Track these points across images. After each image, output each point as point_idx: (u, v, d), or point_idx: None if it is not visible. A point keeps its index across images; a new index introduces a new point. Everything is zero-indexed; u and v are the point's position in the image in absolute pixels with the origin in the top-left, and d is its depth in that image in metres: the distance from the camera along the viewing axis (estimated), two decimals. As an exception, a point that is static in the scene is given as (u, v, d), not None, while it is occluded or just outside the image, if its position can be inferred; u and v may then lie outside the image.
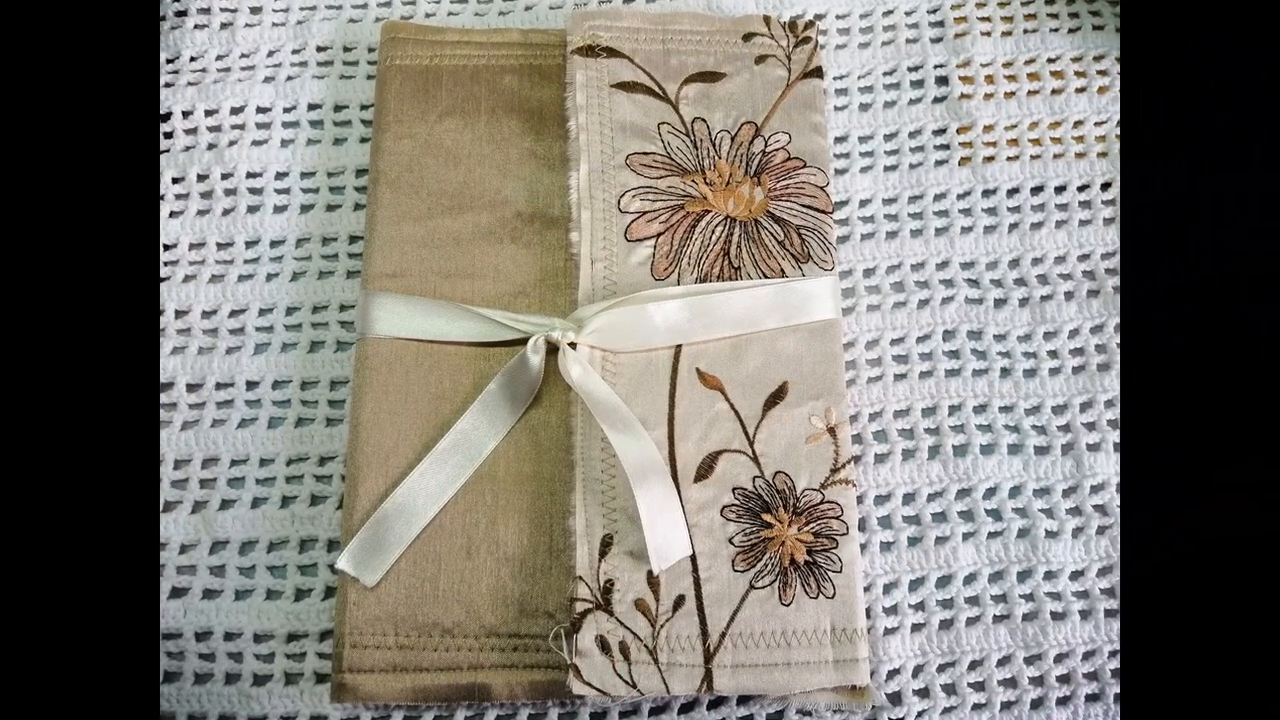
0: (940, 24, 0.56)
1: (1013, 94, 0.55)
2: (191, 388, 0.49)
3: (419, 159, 0.49)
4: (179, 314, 0.50)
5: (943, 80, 0.55)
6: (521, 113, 0.50)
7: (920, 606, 0.46)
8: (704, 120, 0.50)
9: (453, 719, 0.44)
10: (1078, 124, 0.53)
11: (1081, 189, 0.52)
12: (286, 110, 0.54)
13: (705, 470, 0.44)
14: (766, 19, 0.52)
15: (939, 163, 0.54)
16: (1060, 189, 0.53)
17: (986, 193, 0.53)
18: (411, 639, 0.43)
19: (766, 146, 0.49)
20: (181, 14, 0.55)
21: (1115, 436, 0.47)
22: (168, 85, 0.54)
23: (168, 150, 0.52)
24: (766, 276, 0.47)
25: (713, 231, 0.48)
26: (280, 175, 0.53)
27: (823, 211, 0.49)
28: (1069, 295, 0.50)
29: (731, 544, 0.44)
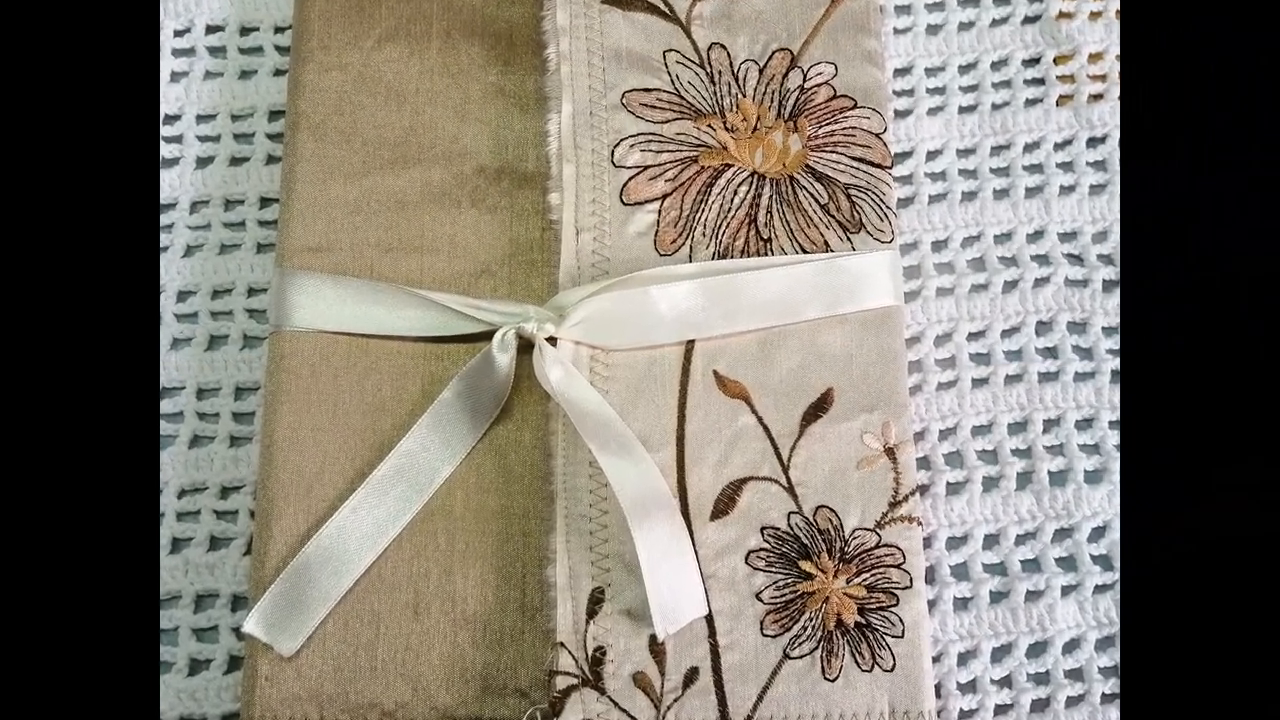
0: (1032, -79, 0.56)
1: (1127, 12, 0.55)
2: (55, 396, 0.49)
3: (351, 97, 0.49)
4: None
5: (1035, -6, 0.55)
6: (485, 37, 0.50)
7: (1006, 682, 0.46)
8: (724, 47, 0.49)
9: (395, 829, 0.44)
10: (1211, 51, 0.54)
11: (1216, 136, 0.52)
12: (178, 34, 0.54)
13: (725, 504, 0.44)
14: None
15: (1030, 102, 0.53)
16: (1189, 136, 0.53)
17: (1093, 141, 0.53)
18: (342, 724, 0.43)
19: (805, 81, 0.49)
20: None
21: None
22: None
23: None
24: (805, 251, 0.47)
25: (735, 192, 0.48)
26: (171, 119, 0.53)
27: (879, 166, 0.48)
28: (1200, 275, 0.51)
29: (760, 600, 0.43)
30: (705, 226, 0.47)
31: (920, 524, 0.45)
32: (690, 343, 0.46)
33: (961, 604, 0.47)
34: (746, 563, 0.44)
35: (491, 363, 0.45)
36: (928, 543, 0.47)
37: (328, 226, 0.47)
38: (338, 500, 0.44)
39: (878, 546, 0.44)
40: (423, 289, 0.46)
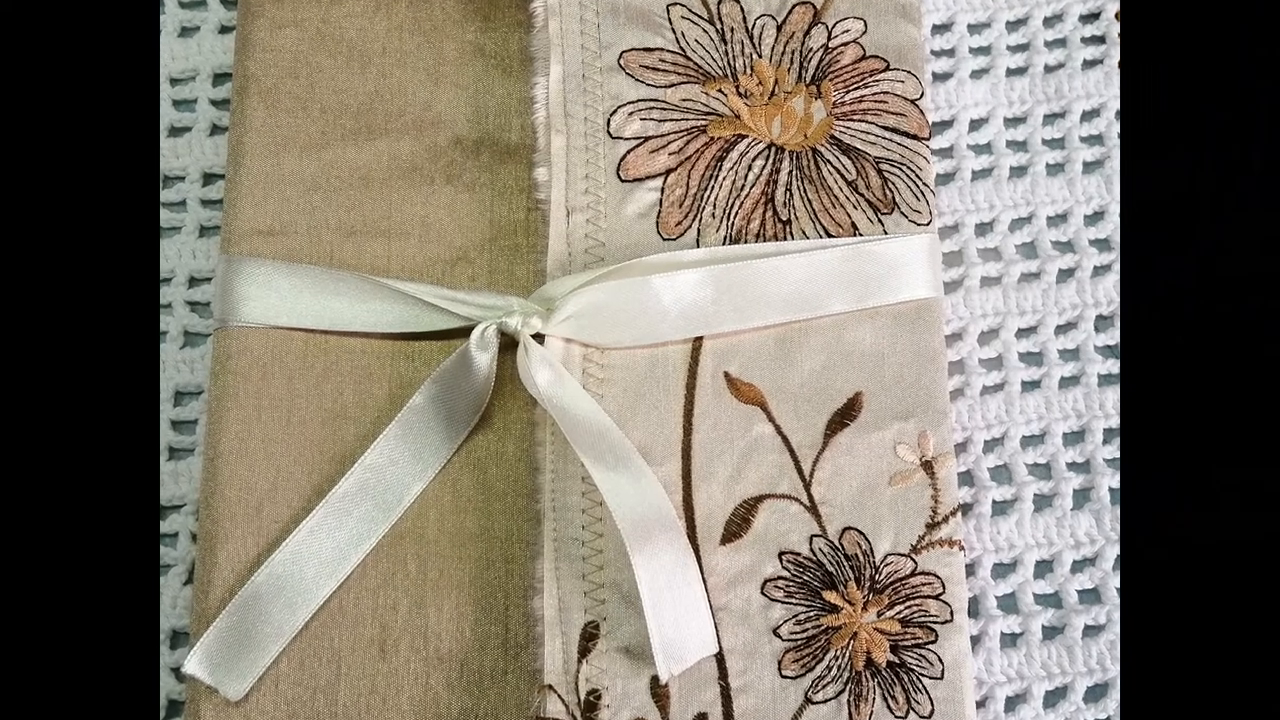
0: None
1: (1198, -39, 0.54)
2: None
3: (308, 58, 0.49)
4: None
5: (1093, -60, 0.55)
6: (463, -12, 0.50)
7: (1061, 731, 0.46)
8: (737, 0, 0.49)
9: None
10: (1295, 5, 0.54)
11: (1301, 103, 0.52)
12: (113, -14, 0.54)
13: (738, 526, 0.44)
14: None
15: (1090, 64, 0.53)
16: (1269, 103, 0.53)
17: (1159, 108, 0.53)
18: (297, 780, 0.43)
19: (830, 40, 0.49)
20: None
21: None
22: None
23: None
24: (830, 234, 0.47)
25: (749, 167, 0.47)
26: (103, 83, 0.53)
27: (914, 137, 0.48)
28: (1283, 262, 0.51)
29: (778, 637, 0.43)
30: (715, 207, 0.47)
31: (962, 548, 0.45)
32: (698, 340, 0.46)
33: (1010, 640, 0.47)
34: (762, 593, 0.44)
35: (469, 363, 0.44)
36: (971, 570, 0.47)
37: (281, 206, 0.47)
38: (292, 522, 0.44)
39: (913, 574, 0.44)
40: (390, 278, 0.46)
